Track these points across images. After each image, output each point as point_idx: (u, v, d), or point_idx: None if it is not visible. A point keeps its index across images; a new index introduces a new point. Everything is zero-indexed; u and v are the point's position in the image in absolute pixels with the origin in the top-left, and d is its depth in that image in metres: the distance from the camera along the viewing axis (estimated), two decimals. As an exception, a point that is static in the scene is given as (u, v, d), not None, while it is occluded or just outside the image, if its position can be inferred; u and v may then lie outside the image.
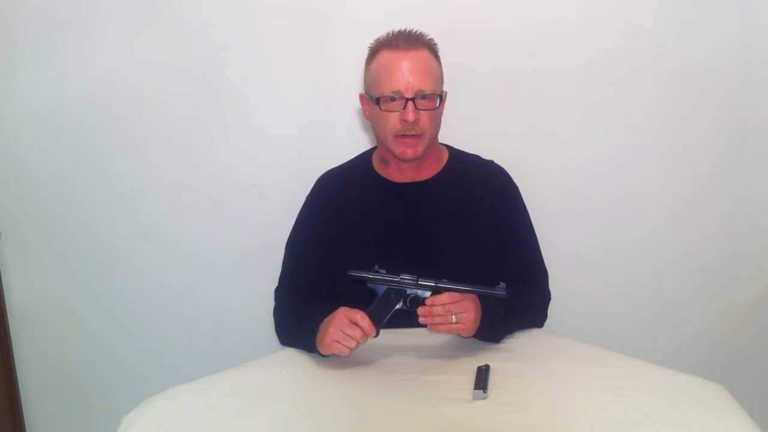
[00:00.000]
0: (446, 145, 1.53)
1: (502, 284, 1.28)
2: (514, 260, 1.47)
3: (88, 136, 1.78)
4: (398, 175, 1.47)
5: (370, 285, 1.32)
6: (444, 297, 1.27)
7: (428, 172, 1.47)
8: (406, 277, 1.30)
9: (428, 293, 1.28)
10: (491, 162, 1.53)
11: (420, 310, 1.27)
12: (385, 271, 1.31)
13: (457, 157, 1.52)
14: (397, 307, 1.29)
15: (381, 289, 1.30)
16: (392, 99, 1.35)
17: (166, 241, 1.85)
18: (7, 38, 1.73)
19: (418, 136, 1.37)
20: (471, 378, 1.18)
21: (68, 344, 1.90)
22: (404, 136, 1.36)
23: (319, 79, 1.76)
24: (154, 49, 1.74)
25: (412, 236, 1.44)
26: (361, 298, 1.32)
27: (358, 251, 1.44)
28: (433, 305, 1.27)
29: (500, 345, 1.35)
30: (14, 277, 1.86)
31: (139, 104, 1.76)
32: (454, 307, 1.27)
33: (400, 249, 1.43)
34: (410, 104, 1.34)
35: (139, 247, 1.85)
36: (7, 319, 1.86)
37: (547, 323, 1.52)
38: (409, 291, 1.29)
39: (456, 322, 1.27)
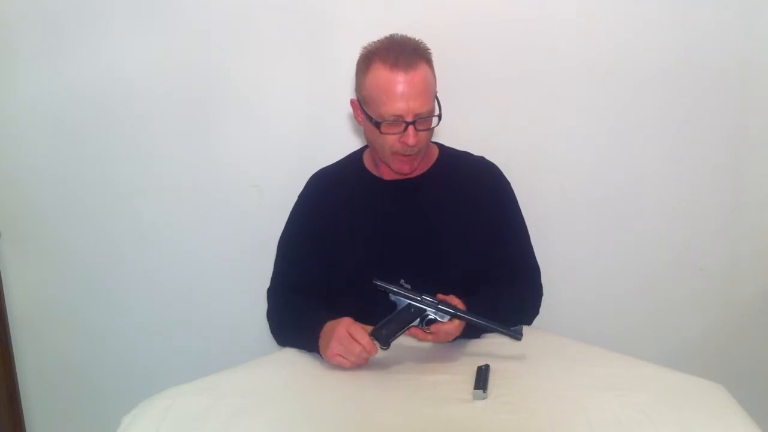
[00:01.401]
0: (436, 143, 1.54)
1: (519, 326, 1.28)
2: (506, 255, 1.47)
3: (89, 136, 1.79)
4: (389, 172, 1.47)
5: (392, 297, 1.31)
6: (447, 328, 1.28)
7: (419, 168, 1.47)
8: (428, 298, 1.30)
9: (446, 318, 1.28)
10: (482, 158, 1.54)
11: (412, 331, 1.29)
12: (410, 287, 1.32)
13: (447, 153, 1.53)
14: (413, 324, 1.29)
15: (402, 302, 1.30)
16: (392, 123, 1.34)
17: (166, 240, 1.85)
18: (8, 38, 1.73)
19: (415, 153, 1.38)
20: (471, 378, 1.18)
21: (68, 344, 1.90)
22: (402, 153, 1.37)
23: (320, 79, 1.76)
24: (155, 49, 1.74)
25: (403, 232, 1.44)
26: (357, 297, 1.34)
27: (350, 248, 1.45)
28: (434, 333, 1.28)
29: (500, 345, 1.35)
30: (14, 276, 1.86)
31: (139, 104, 1.77)
32: (442, 334, 1.29)
33: (391, 245, 1.44)
34: (411, 128, 1.33)
35: (139, 247, 1.85)
36: (7, 319, 1.86)
37: (546, 323, 1.52)
38: (428, 311, 1.29)
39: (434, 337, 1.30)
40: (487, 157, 1.54)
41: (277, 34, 1.73)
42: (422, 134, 1.36)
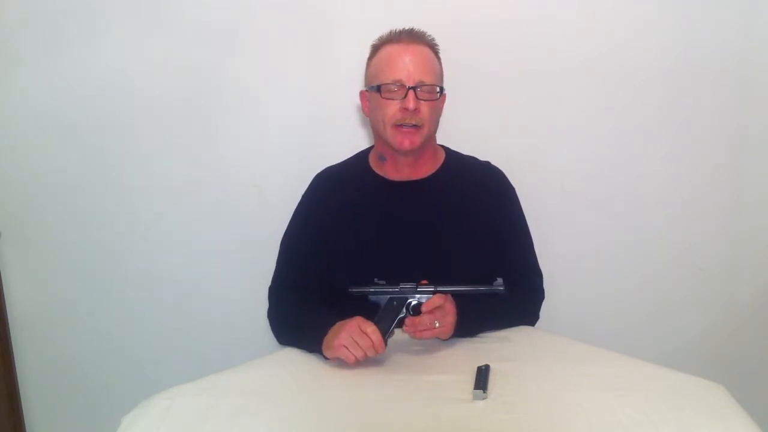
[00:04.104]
0: (443, 147, 1.54)
1: (499, 280, 1.30)
2: (509, 260, 1.47)
3: (89, 136, 1.79)
4: (394, 173, 1.47)
5: (372, 298, 1.33)
6: (436, 301, 1.29)
7: (424, 170, 1.48)
8: (406, 286, 1.32)
9: (428, 297, 1.30)
10: (487, 163, 1.54)
11: (407, 322, 1.29)
12: (384, 282, 1.34)
13: (454, 157, 1.53)
14: (401, 316, 1.31)
15: (383, 300, 1.32)
16: (393, 88, 1.36)
17: (167, 240, 1.85)
18: (8, 38, 1.73)
19: (417, 127, 1.37)
20: (471, 378, 1.18)
21: (68, 344, 1.90)
22: (403, 126, 1.37)
23: (320, 78, 1.76)
24: (156, 49, 1.74)
25: (407, 234, 1.44)
26: (359, 298, 1.33)
27: (352, 248, 1.45)
28: (424, 314, 1.28)
29: (500, 345, 1.35)
30: (14, 277, 1.86)
31: (140, 104, 1.77)
32: (439, 313, 1.29)
33: (394, 246, 1.44)
34: (411, 92, 1.35)
35: (139, 247, 1.85)
36: (7, 319, 1.86)
37: (546, 323, 1.52)
38: (410, 298, 1.31)
39: (438, 327, 1.29)
40: (488, 158, 1.55)
41: (277, 34, 1.73)
42: (424, 105, 1.36)
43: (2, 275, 1.85)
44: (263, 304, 1.51)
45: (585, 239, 1.84)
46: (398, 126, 1.37)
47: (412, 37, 1.39)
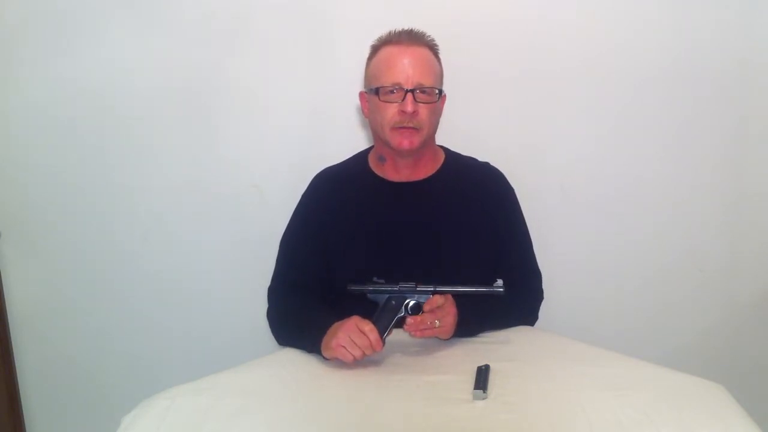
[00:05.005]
0: (443, 147, 1.54)
1: (499, 281, 1.31)
2: (508, 261, 1.48)
3: (89, 136, 1.79)
4: (394, 173, 1.47)
5: (371, 296, 1.33)
6: (437, 300, 1.29)
7: (424, 171, 1.48)
8: (405, 285, 1.32)
9: (427, 297, 1.30)
10: (487, 163, 1.54)
11: (409, 321, 1.28)
12: (384, 281, 1.33)
13: (454, 158, 1.53)
14: (399, 315, 1.31)
15: (382, 298, 1.32)
16: (392, 91, 1.36)
17: (167, 240, 1.85)
18: (8, 38, 1.73)
19: (415, 129, 1.37)
20: (471, 378, 1.18)
21: (68, 344, 1.90)
22: (402, 127, 1.37)
23: (319, 78, 1.76)
24: (156, 48, 1.74)
25: (407, 235, 1.44)
26: (359, 298, 1.34)
27: (352, 249, 1.45)
28: (425, 312, 1.29)
29: (500, 345, 1.35)
30: (14, 276, 1.86)
31: (140, 104, 1.77)
32: (439, 312, 1.29)
33: (393, 248, 1.44)
34: (409, 96, 1.35)
35: (139, 247, 1.85)
36: (7, 319, 1.86)
37: (546, 323, 1.52)
38: (408, 298, 1.31)
39: (438, 327, 1.29)
40: (488, 158, 1.55)
41: (277, 34, 1.74)
42: (422, 108, 1.36)
43: (2, 275, 1.85)
44: (263, 304, 1.51)
45: (585, 239, 1.84)
46: (397, 127, 1.38)
47: (411, 38, 1.38)
